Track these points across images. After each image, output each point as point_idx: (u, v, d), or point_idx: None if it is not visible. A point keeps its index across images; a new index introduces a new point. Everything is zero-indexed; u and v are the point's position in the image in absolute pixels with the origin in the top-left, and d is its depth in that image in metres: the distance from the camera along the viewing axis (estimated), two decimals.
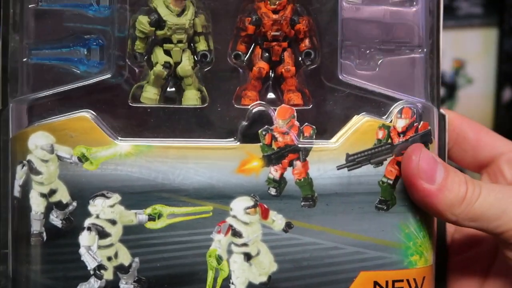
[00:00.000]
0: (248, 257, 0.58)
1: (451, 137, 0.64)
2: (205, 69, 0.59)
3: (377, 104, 0.59)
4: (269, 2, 0.58)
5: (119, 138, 0.57)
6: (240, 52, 0.59)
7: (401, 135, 0.58)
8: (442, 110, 0.63)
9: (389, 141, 0.58)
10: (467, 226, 0.58)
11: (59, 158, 0.56)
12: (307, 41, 0.59)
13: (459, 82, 1.21)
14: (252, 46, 0.60)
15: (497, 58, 1.18)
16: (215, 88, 0.59)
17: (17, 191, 0.57)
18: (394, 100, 0.59)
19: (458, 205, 0.56)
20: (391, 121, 0.58)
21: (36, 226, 0.56)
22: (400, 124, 0.58)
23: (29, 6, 0.58)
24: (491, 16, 1.17)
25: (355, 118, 0.58)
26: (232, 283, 0.58)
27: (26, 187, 0.56)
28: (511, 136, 0.69)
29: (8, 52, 0.60)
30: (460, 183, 0.57)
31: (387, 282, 0.58)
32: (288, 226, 0.58)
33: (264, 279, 0.58)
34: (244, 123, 0.58)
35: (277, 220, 0.58)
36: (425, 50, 0.61)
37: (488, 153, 0.64)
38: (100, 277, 0.57)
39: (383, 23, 0.60)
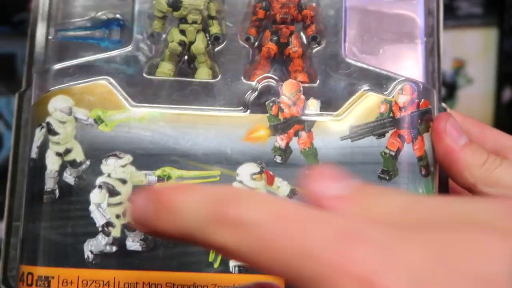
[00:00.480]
0: None
1: None
2: (217, 48, 0.63)
3: (379, 82, 0.62)
4: None
5: (134, 103, 0.60)
6: (250, 36, 0.63)
7: (403, 110, 0.61)
8: (443, 104, 0.66)
9: (391, 115, 0.61)
10: (483, 195, 0.57)
11: (76, 119, 0.59)
12: (313, 26, 0.63)
13: (459, 82, 1.21)
14: (262, 31, 0.64)
15: (497, 58, 1.18)
16: (226, 65, 0.62)
17: (34, 153, 0.59)
18: (396, 79, 0.62)
19: (478, 167, 0.57)
20: (393, 97, 0.61)
21: (49, 184, 0.58)
22: (402, 99, 0.61)
23: None
24: (491, 16, 1.17)
25: (358, 93, 0.61)
26: None
27: (43, 148, 0.59)
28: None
29: (35, 40, 0.64)
30: (482, 151, 0.59)
31: None
32: (293, 193, 0.59)
33: None
34: (253, 94, 0.61)
35: (282, 187, 0.59)
36: (424, 40, 0.64)
37: (493, 146, 0.65)
38: (108, 234, 0.58)
39: (385, 14, 0.64)
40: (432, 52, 0.67)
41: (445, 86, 1.21)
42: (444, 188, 0.64)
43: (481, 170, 0.58)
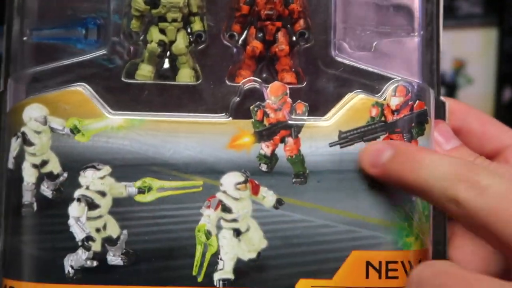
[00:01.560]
0: (237, 233, 0.57)
1: (454, 128, 0.63)
2: (199, 48, 0.59)
3: (371, 83, 0.59)
4: None
5: (112, 111, 0.57)
6: (234, 33, 0.60)
7: (395, 113, 0.58)
8: (442, 98, 0.63)
9: (383, 119, 0.58)
10: None
11: (52, 129, 0.57)
12: (301, 21, 0.60)
13: (459, 82, 1.20)
14: (247, 27, 0.60)
15: (497, 58, 1.17)
16: (208, 66, 0.59)
17: (11, 163, 0.57)
18: (389, 79, 0.59)
19: None
20: (385, 99, 0.58)
21: (27, 197, 0.57)
22: (394, 102, 0.58)
23: None
24: (491, 16, 1.17)
25: (348, 96, 0.58)
26: (221, 259, 0.57)
27: (19, 159, 0.57)
28: None
29: (12, 36, 0.61)
30: (470, 155, 0.59)
31: (380, 262, 0.57)
32: (279, 203, 0.57)
33: (253, 255, 0.57)
34: (236, 99, 0.58)
35: (268, 197, 0.57)
36: (421, 33, 0.60)
37: (495, 145, 0.63)
38: (88, 248, 0.56)
39: (379, 6, 0.60)
40: (431, 42, 0.63)
41: (445, 86, 1.18)
42: None
43: None
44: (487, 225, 0.48)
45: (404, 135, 0.58)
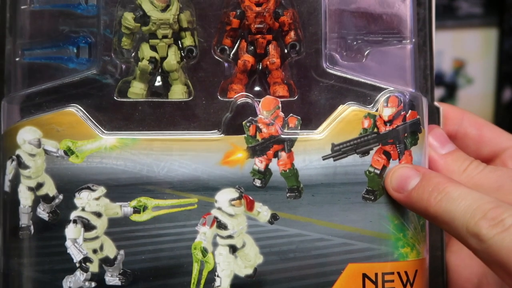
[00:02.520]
0: (233, 249, 0.57)
1: (450, 132, 0.63)
2: (191, 63, 0.59)
3: (363, 94, 0.58)
4: None
5: (105, 131, 0.57)
6: (225, 46, 0.59)
7: (388, 124, 0.57)
8: (436, 103, 0.62)
9: (375, 130, 0.57)
10: None
11: (46, 152, 0.57)
12: (292, 33, 0.59)
13: (459, 82, 1.19)
14: (238, 41, 0.60)
15: (497, 58, 1.17)
16: (200, 82, 0.59)
17: (7, 186, 0.58)
18: (381, 89, 0.58)
19: (459, 173, 0.58)
20: (377, 110, 0.58)
21: (24, 220, 0.57)
22: (387, 112, 0.58)
23: (22, 7, 0.60)
24: (491, 16, 1.16)
25: (341, 108, 0.58)
26: (218, 276, 0.57)
27: (15, 182, 0.57)
28: None
29: (5, 55, 0.61)
30: (465, 158, 0.59)
31: (376, 274, 0.57)
32: (274, 218, 0.57)
33: (249, 271, 0.57)
34: (228, 114, 0.58)
35: (263, 212, 0.57)
36: (413, 40, 0.60)
37: (492, 148, 0.63)
38: (85, 270, 0.57)
39: (370, 14, 0.60)
40: (424, 47, 0.63)
41: (445, 86, 1.17)
42: None
43: (462, 176, 0.58)
44: (506, 264, 0.48)
45: (397, 145, 0.57)
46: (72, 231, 0.57)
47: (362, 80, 0.59)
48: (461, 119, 0.63)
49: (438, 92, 0.99)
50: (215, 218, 0.57)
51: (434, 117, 0.62)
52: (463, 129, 0.62)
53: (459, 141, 0.63)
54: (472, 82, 1.19)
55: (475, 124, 0.63)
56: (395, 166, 0.57)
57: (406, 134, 0.58)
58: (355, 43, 0.60)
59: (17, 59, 0.60)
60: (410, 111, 0.58)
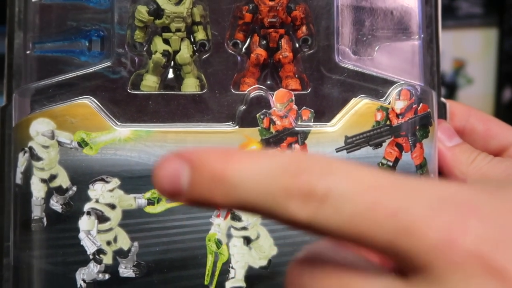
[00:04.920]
0: (247, 241, 0.57)
1: (457, 128, 0.64)
2: (203, 57, 0.59)
3: (374, 87, 0.59)
4: None
5: (118, 123, 0.57)
6: (238, 41, 0.60)
7: (400, 117, 0.58)
8: (443, 99, 0.63)
9: (388, 122, 0.58)
10: None
11: (60, 143, 0.57)
12: (304, 28, 0.60)
13: (459, 82, 1.21)
14: (250, 35, 0.60)
15: (497, 58, 1.18)
16: (213, 75, 0.59)
17: (19, 178, 0.57)
18: (392, 83, 0.59)
19: (466, 165, 0.58)
20: (389, 103, 0.58)
21: (36, 212, 0.57)
22: (399, 105, 0.58)
23: (33, 1, 0.60)
24: (491, 16, 1.18)
25: (353, 101, 0.58)
26: (232, 267, 0.57)
27: (27, 174, 0.57)
28: None
29: (14, 49, 0.61)
30: (472, 150, 0.60)
31: None
32: None
33: (264, 263, 0.57)
34: (242, 107, 0.58)
35: None
36: (422, 36, 0.61)
37: (499, 143, 0.63)
38: (99, 262, 0.56)
39: (380, 10, 0.61)
40: (431, 44, 0.64)
41: (445, 86, 1.19)
42: None
43: (470, 167, 0.59)
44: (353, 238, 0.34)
45: (409, 138, 0.58)
46: (85, 223, 0.57)
47: (374, 74, 0.59)
48: (468, 115, 0.64)
49: None
50: (229, 209, 0.57)
51: (441, 112, 0.63)
52: (470, 125, 0.63)
53: (467, 137, 0.63)
54: (472, 82, 1.20)
55: (482, 119, 0.64)
56: (158, 162, 0.38)
57: (417, 127, 0.58)
58: (365, 38, 0.61)
59: (27, 52, 0.60)
60: (421, 104, 0.59)
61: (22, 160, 0.57)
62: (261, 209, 0.35)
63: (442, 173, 0.60)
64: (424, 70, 0.61)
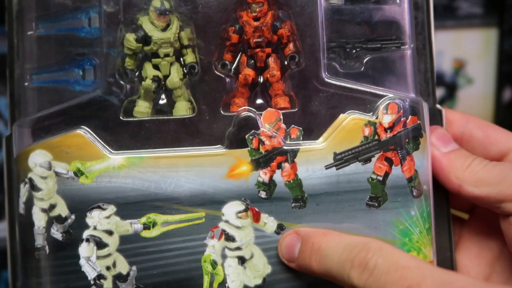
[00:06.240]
0: (242, 260, 0.58)
1: (455, 135, 0.63)
2: (193, 80, 0.60)
3: (363, 102, 0.59)
4: (250, 10, 0.59)
5: (112, 151, 0.59)
6: (226, 61, 0.61)
7: (388, 131, 0.58)
8: (438, 106, 0.63)
9: (376, 137, 0.58)
10: (471, 195, 0.58)
11: (57, 174, 0.59)
12: (291, 45, 0.60)
13: (459, 82, 1.19)
14: (238, 55, 0.61)
15: (497, 58, 1.16)
16: (203, 97, 0.60)
17: (21, 208, 0.60)
18: (381, 96, 0.59)
19: (462, 170, 0.59)
20: (377, 118, 0.58)
21: (39, 240, 0.59)
22: (387, 119, 0.58)
23: (28, 33, 0.61)
24: (491, 16, 1.15)
25: (341, 117, 0.59)
26: (228, 287, 0.58)
27: (28, 204, 0.59)
28: None
29: (14, 80, 0.63)
30: (468, 156, 0.60)
31: None
32: (280, 228, 0.58)
33: (259, 281, 0.58)
34: (231, 129, 0.59)
35: (269, 223, 0.58)
36: (411, 45, 0.60)
37: (499, 149, 0.63)
38: (100, 287, 0.58)
39: (367, 22, 0.60)
40: (424, 51, 0.63)
41: (445, 86, 1.17)
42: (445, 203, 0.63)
43: (465, 172, 0.59)
44: None
45: (399, 151, 0.58)
46: (85, 250, 0.59)
47: (362, 88, 0.59)
48: (466, 122, 0.63)
49: (438, 92, 0.99)
50: (223, 230, 0.58)
51: (437, 119, 0.62)
52: (468, 131, 0.63)
53: (465, 144, 0.63)
54: (472, 82, 1.18)
55: (480, 126, 0.63)
56: (282, 236, 0.58)
57: (407, 140, 0.58)
58: (353, 51, 0.61)
59: (26, 83, 0.62)
60: (410, 116, 0.58)
61: (24, 191, 0.59)
62: (336, 276, 0.52)
63: (438, 179, 0.60)
64: (415, 79, 0.61)
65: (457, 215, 0.66)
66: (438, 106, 0.63)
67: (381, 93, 0.59)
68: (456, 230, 0.64)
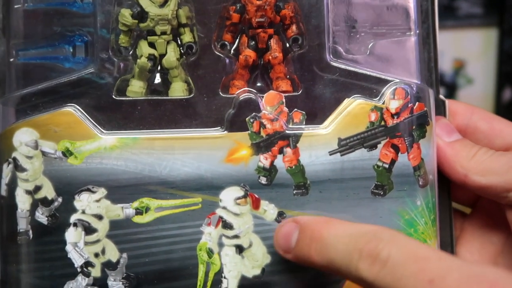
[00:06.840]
0: (240, 249, 0.55)
1: (460, 127, 0.61)
2: (191, 60, 0.58)
3: (368, 87, 0.57)
4: None
5: (104, 131, 0.55)
6: (226, 42, 0.58)
7: (395, 117, 0.56)
8: (441, 96, 0.61)
9: (383, 123, 0.56)
10: (477, 185, 0.56)
11: (44, 153, 0.55)
12: (294, 27, 0.58)
13: (459, 82, 1.19)
14: (239, 35, 0.58)
15: (497, 58, 1.17)
16: (201, 78, 0.57)
17: (3, 190, 0.56)
18: (386, 82, 0.57)
19: (467, 159, 0.57)
20: (383, 103, 0.56)
21: (22, 224, 0.55)
22: (394, 105, 0.56)
23: (15, 6, 0.58)
24: (491, 16, 1.16)
25: (346, 101, 0.56)
26: (224, 277, 0.55)
27: (12, 185, 0.55)
28: None
29: None
30: (473, 145, 0.58)
31: None
32: (281, 216, 0.56)
33: (257, 271, 0.55)
34: (231, 111, 0.56)
35: (269, 210, 0.56)
36: (417, 32, 0.59)
37: (504, 141, 0.61)
38: (87, 275, 0.55)
39: (373, 6, 0.59)
40: (428, 39, 0.61)
41: (445, 86, 1.17)
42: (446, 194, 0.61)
43: (471, 161, 0.57)
44: None
45: (405, 138, 0.56)
46: (72, 235, 0.55)
47: (367, 73, 0.57)
48: (471, 114, 0.61)
49: None
50: (220, 217, 0.55)
51: (440, 110, 0.61)
52: (473, 123, 0.61)
53: (470, 135, 0.61)
54: (472, 82, 1.19)
55: (485, 117, 0.61)
56: (279, 224, 0.54)
57: (414, 127, 0.56)
58: (358, 36, 0.59)
59: (11, 59, 0.58)
60: (417, 103, 0.56)
61: (7, 171, 0.55)
62: (341, 268, 0.47)
63: (442, 169, 0.58)
64: (420, 67, 0.59)
65: (458, 209, 0.64)
66: (441, 96, 0.61)
67: (387, 78, 0.57)
68: (458, 224, 0.62)
